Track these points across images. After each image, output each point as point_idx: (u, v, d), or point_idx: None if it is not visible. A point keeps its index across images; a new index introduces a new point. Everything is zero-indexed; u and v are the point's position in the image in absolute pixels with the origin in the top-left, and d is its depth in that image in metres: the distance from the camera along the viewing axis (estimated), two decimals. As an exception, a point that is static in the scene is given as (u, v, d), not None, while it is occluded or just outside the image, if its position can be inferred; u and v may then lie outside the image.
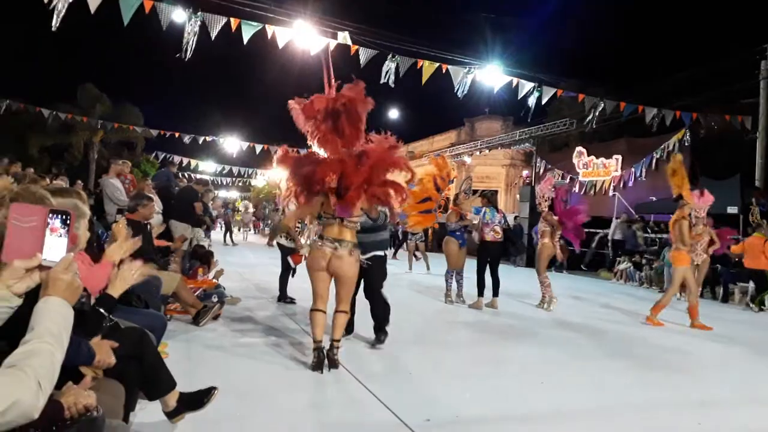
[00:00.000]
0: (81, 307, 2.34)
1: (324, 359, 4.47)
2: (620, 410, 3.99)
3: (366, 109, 4.57)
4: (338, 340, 4.66)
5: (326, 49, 5.01)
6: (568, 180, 20.33)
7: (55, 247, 1.39)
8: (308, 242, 7.60)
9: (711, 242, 10.12)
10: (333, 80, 4.65)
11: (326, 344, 4.62)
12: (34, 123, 27.27)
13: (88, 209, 2.59)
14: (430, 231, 15.57)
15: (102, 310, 2.47)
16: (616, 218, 15.54)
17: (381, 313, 5.56)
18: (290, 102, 4.65)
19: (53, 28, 9.35)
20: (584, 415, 3.83)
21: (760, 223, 10.59)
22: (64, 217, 1.41)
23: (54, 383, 1.28)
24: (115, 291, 2.64)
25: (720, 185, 14.04)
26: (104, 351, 2.31)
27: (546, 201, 8.58)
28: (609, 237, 15.07)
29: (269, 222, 28.20)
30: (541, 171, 22.16)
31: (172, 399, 2.88)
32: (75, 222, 1.50)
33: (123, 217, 4.99)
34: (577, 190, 20.21)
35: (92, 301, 2.57)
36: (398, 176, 4.75)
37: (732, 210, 12.81)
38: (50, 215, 1.39)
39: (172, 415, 2.90)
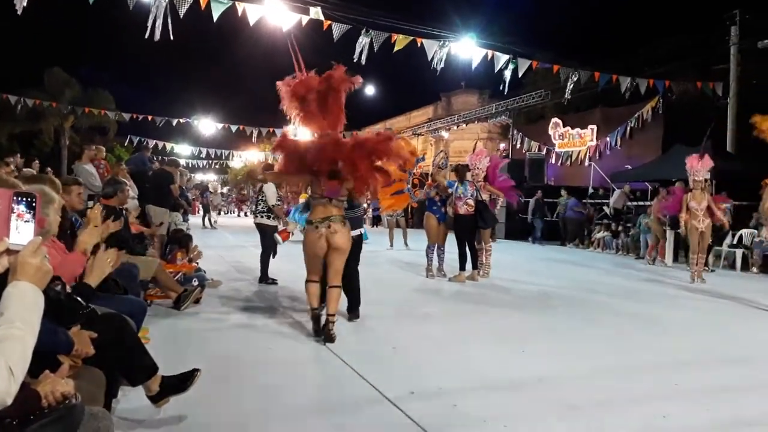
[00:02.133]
0: (57, 297, 2.31)
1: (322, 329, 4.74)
2: (600, 375, 4.08)
3: (350, 88, 4.74)
4: (333, 315, 4.80)
5: (292, 35, 5.00)
6: (504, 152, 20.84)
7: (22, 230, 1.37)
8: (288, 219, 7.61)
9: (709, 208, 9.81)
10: (302, 64, 4.72)
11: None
12: (1, 110, 26.53)
13: (57, 195, 2.54)
14: (409, 208, 15.60)
15: (79, 299, 2.44)
16: (618, 188, 15.76)
17: (357, 290, 5.70)
18: (278, 83, 4.77)
19: (18, 12, 9.04)
20: (565, 381, 3.91)
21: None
22: (29, 200, 1.38)
23: (26, 369, 1.27)
24: (93, 280, 2.62)
25: (692, 152, 14.23)
26: (83, 341, 2.29)
27: (482, 172, 8.66)
28: (610, 206, 15.25)
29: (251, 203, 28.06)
30: (518, 144, 22.28)
31: (154, 383, 2.88)
32: (43, 206, 1.47)
33: (98, 203, 4.90)
34: (553, 162, 20.39)
35: (68, 289, 2.53)
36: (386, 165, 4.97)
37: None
38: (15, 198, 1.36)
39: (156, 399, 2.90)
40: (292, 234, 7.60)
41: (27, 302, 1.34)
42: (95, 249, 3.04)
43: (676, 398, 3.61)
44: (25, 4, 8.94)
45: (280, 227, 7.64)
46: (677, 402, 3.53)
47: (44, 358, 2.02)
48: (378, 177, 4.89)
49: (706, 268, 10.09)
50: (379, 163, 4.84)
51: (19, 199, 1.37)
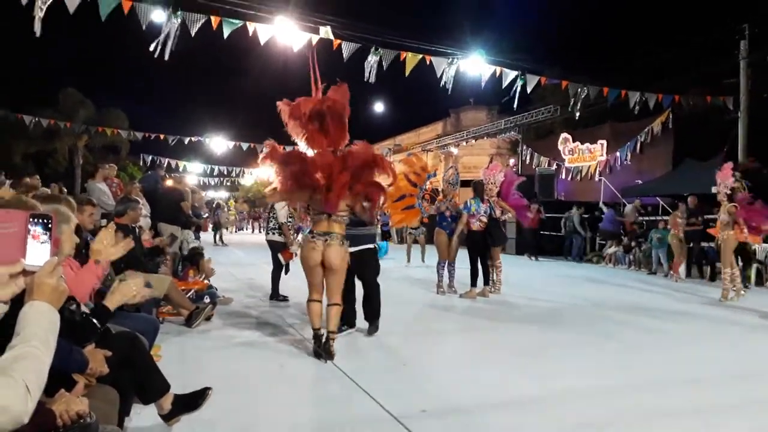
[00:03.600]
0: (72, 317, 2.34)
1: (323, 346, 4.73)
2: (610, 393, 4.05)
3: (348, 111, 4.82)
4: (334, 332, 4.85)
5: (312, 50, 5.06)
6: (514, 168, 20.75)
7: (38, 251, 1.39)
8: (299, 238, 7.62)
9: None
10: (319, 81, 4.80)
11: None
12: (16, 130, 26.93)
13: (73, 215, 2.58)
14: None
15: (95, 321, 2.46)
16: (629, 203, 15.67)
17: (376, 304, 5.79)
18: (279, 103, 4.86)
19: (37, 34, 9.22)
20: (576, 399, 3.88)
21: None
22: (45, 221, 1.41)
23: (42, 387, 1.29)
24: (112, 304, 2.63)
25: (703, 166, 14.18)
26: (97, 359, 2.32)
27: (496, 187, 8.65)
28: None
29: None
30: (527, 159, 22.26)
31: (166, 402, 2.89)
32: (57, 226, 1.50)
33: (111, 223, 4.96)
34: (563, 177, 20.34)
35: (84, 308, 2.57)
36: (380, 179, 4.99)
37: (715, 190, 12.92)
38: (31, 220, 1.39)
39: (168, 417, 2.92)
40: (296, 255, 7.62)
41: (43, 322, 1.36)
42: (116, 272, 3.09)
43: (684, 417, 3.57)
44: (40, 28, 9.11)
45: (292, 247, 7.64)
46: (684, 422, 3.49)
47: (59, 377, 2.05)
48: (372, 190, 4.88)
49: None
50: (372, 176, 4.87)
51: (36, 220, 1.40)
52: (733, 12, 17.40)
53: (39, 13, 9.06)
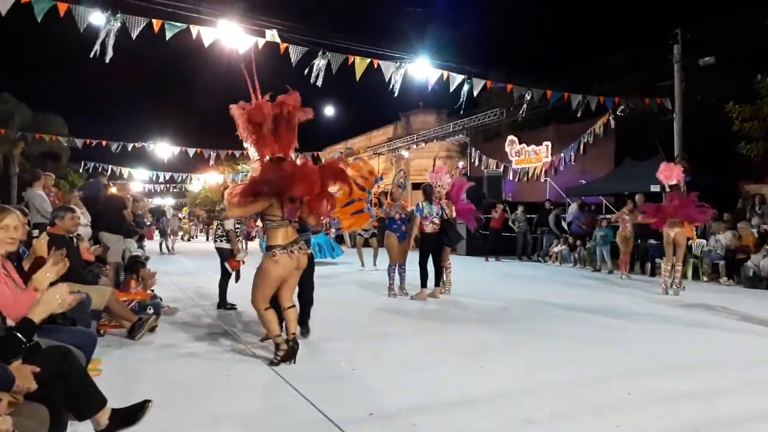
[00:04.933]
0: (-6, 332, 2.23)
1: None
2: (556, 388, 4.14)
3: (303, 117, 4.81)
4: (294, 334, 4.87)
5: (249, 59, 4.99)
6: (463, 170, 21.05)
7: None
8: (244, 247, 7.49)
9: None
10: (258, 89, 4.74)
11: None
12: (-55, 138, 25.59)
13: (11, 217, 2.46)
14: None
15: (19, 335, 2.34)
16: (572, 202, 16.00)
17: (309, 306, 5.89)
18: (232, 106, 4.75)
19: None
20: (523, 395, 3.96)
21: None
22: None
23: None
24: (36, 316, 2.50)
25: (643, 166, 14.74)
26: (24, 375, 2.21)
27: (444, 189, 8.75)
28: (567, 220, 15.52)
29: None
30: (476, 161, 22.64)
31: (103, 417, 2.79)
32: None
33: (44, 233, 4.75)
34: (511, 178, 20.78)
35: (8, 322, 2.45)
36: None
37: (655, 188, 13.45)
38: None
39: None
40: (243, 263, 7.50)
41: None
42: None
43: (628, 408, 3.69)
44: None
45: (239, 254, 7.50)
46: (629, 412, 3.62)
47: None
48: (325, 201, 4.90)
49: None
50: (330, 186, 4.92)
51: None
52: (666, 17, 18.19)
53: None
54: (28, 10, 9.02)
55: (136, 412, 2.88)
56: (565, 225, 15.53)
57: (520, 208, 16.55)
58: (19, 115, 31.05)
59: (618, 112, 16.51)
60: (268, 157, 4.78)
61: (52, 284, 2.99)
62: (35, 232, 4.82)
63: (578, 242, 14.52)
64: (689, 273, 11.40)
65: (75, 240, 5.71)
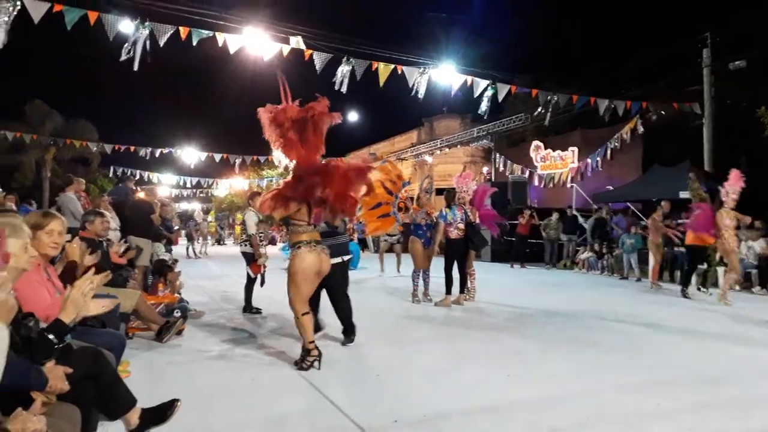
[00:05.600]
0: (28, 334, 2.27)
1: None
2: (582, 397, 4.07)
3: (330, 123, 4.84)
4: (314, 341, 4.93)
5: (281, 66, 5.09)
6: (487, 175, 20.73)
7: None
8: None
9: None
10: (289, 96, 4.80)
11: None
12: (-20, 144, 26.34)
13: (27, 228, 2.51)
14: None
15: (51, 337, 2.37)
16: (597, 209, 15.71)
17: (349, 314, 5.84)
18: (260, 109, 4.82)
19: (0, 46, 9.02)
20: (548, 404, 3.90)
21: (704, 198, 10.24)
22: None
23: None
24: (67, 316, 2.51)
25: (671, 171, 14.50)
26: (57, 376, 2.25)
27: (468, 195, 8.69)
28: (588, 227, 15.25)
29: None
30: (501, 167, 22.50)
31: (134, 416, 2.83)
32: (7, 240, 1.46)
33: (77, 238, 4.84)
34: (536, 184, 20.60)
35: (40, 324, 2.49)
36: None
37: (684, 195, 13.20)
38: None
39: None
40: (264, 267, 7.56)
41: None
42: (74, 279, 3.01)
43: (657, 419, 3.61)
44: (4, 39, 8.92)
45: (260, 259, 7.55)
46: (659, 423, 3.53)
47: (16, 395, 1.99)
48: (352, 198, 4.97)
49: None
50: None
51: None
52: (696, 21, 17.89)
53: (3, 24, 8.88)
54: (59, 18, 9.25)
55: (165, 410, 2.92)
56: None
57: (554, 215, 16.01)
58: (50, 121, 31.88)
59: (646, 117, 16.25)
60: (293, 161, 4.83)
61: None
62: (67, 237, 4.89)
63: (605, 249, 14.30)
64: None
65: (104, 244, 5.82)
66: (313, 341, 4.82)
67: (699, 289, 10.32)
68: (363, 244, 19.80)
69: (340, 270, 5.83)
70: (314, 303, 5.72)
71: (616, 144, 17.71)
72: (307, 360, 4.73)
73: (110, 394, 2.68)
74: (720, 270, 10.24)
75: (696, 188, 9.98)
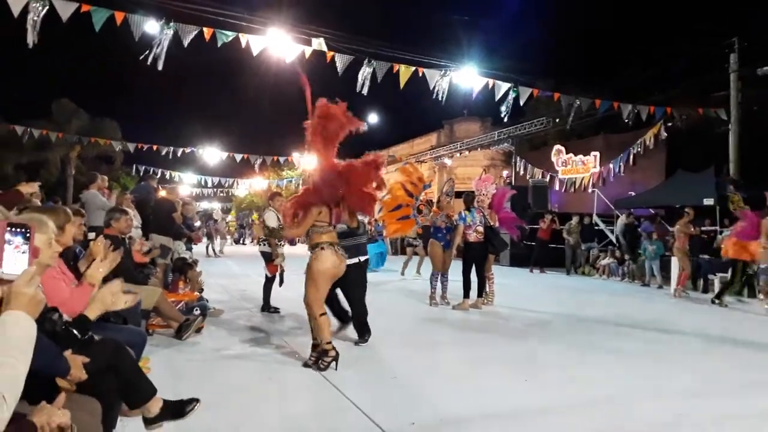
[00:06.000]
0: (53, 327, 2.30)
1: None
2: (602, 404, 4.02)
3: (350, 128, 4.92)
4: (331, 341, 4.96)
5: (304, 68, 5.18)
6: (507, 179, 20.51)
7: (16, 261, 1.38)
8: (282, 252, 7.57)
9: None
10: (309, 100, 4.88)
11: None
12: (8, 141, 26.86)
13: (52, 224, 2.55)
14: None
15: (75, 331, 2.43)
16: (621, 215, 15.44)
17: (363, 315, 5.90)
18: (318, 103, 4.94)
19: (30, 45, 9.19)
20: (567, 410, 3.86)
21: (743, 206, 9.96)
22: (23, 230, 1.40)
23: (18, 396, 1.28)
24: (92, 313, 2.59)
25: (696, 178, 14.27)
26: (76, 365, 2.29)
27: (488, 198, 8.62)
28: (616, 233, 14.99)
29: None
30: (521, 171, 22.36)
31: (154, 406, 2.87)
32: (36, 235, 1.48)
33: (101, 236, 4.92)
34: (557, 188, 20.42)
35: (64, 318, 2.53)
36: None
37: (708, 202, 13.00)
38: (9, 229, 1.38)
39: (151, 421, 2.88)
40: (281, 268, 7.59)
41: (20, 331, 1.35)
42: (106, 279, 3.07)
43: (679, 429, 3.55)
44: (35, 39, 9.09)
45: (277, 259, 7.57)
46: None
47: (41, 387, 2.02)
48: (369, 195, 5.05)
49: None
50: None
51: (14, 230, 1.39)
52: (723, 26, 17.58)
53: (32, 24, 9.05)
54: (86, 18, 9.41)
55: (184, 406, 2.96)
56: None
57: (574, 219, 15.68)
58: (76, 119, 32.44)
59: (672, 124, 16.03)
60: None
61: (105, 281, 3.09)
62: (91, 235, 4.97)
63: (626, 256, 14.12)
64: (745, 291, 10.93)
65: (128, 241, 5.89)
66: (330, 342, 4.83)
67: (713, 301, 9.95)
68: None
69: (357, 271, 5.83)
70: (331, 301, 5.76)
71: (639, 149, 17.49)
72: (324, 360, 4.74)
73: (131, 384, 2.72)
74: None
75: (737, 200, 9.78)
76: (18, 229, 1.40)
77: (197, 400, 3.03)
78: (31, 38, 9.14)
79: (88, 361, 2.35)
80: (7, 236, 1.38)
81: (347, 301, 5.99)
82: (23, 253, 1.40)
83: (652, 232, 13.13)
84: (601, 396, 4.22)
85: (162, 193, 10.39)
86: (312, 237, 4.91)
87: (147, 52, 9.93)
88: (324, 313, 4.89)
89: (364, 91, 11.69)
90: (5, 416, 1.24)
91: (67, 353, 2.35)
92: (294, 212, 4.84)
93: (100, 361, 2.45)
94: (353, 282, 5.79)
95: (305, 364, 4.80)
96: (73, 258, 4.08)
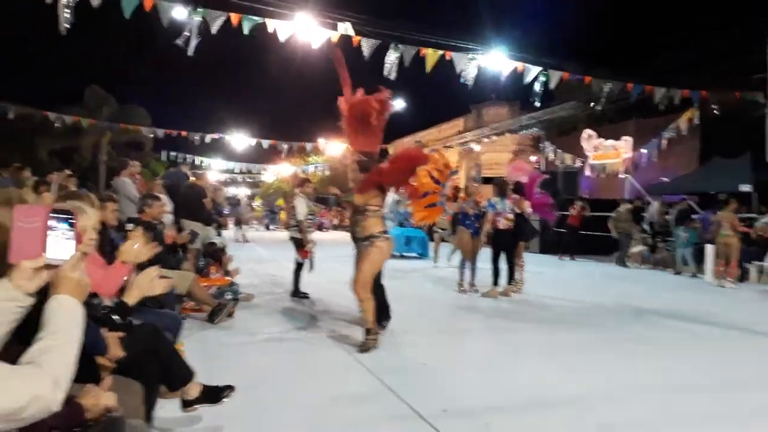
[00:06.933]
0: (94, 312, 2.35)
1: None
2: (637, 395, 3.97)
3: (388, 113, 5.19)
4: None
5: (337, 53, 5.19)
6: (536, 165, 20.22)
7: (59, 245, 1.40)
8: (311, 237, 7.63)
9: None
10: (348, 82, 4.95)
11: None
12: (41, 127, 27.42)
13: (95, 212, 2.59)
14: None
15: (115, 317, 2.48)
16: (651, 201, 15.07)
17: (383, 298, 5.96)
18: (340, 98, 5.20)
19: (62, 32, 9.31)
20: (600, 400, 3.82)
21: None
22: (67, 216, 1.42)
23: (70, 378, 1.32)
24: (131, 298, 2.65)
25: (731, 163, 13.89)
26: (114, 342, 2.35)
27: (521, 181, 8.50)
28: (647, 219, 14.64)
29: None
30: (550, 156, 22.02)
31: (192, 389, 2.93)
32: (78, 221, 1.50)
33: (139, 227, 4.97)
34: (587, 174, 20.08)
35: (107, 302, 2.58)
36: None
37: (744, 188, 12.65)
38: (52, 215, 1.40)
39: (188, 404, 2.95)
40: (312, 253, 7.62)
41: (69, 315, 1.38)
42: (140, 264, 3.12)
43: (717, 422, 3.48)
44: (67, 25, 9.21)
45: (308, 245, 7.60)
46: (718, 427, 3.40)
47: (83, 362, 2.07)
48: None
49: None
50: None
51: (57, 215, 1.40)
52: (760, 5, 16.96)
53: (64, 11, 9.16)
54: (115, 4, 9.49)
55: (220, 392, 3.01)
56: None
57: (623, 206, 14.45)
58: (107, 106, 32.97)
59: (707, 109, 15.57)
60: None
61: (141, 267, 3.14)
62: (129, 226, 5.02)
63: (659, 243, 13.83)
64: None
65: (160, 227, 5.97)
66: (374, 322, 5.02)
67: None
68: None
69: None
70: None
71: (672, 134, 17.05)
72: (369, 339, 4.95)
73: (170, 367, 2.79)
74: None
75: None
76: (60, 215, 1.41)
77: (232, 388, 3.09)
78: (63, 25, 9.27)
79: (123, 336, 2.41)
80: (51, 222, 1.40)
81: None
82: (64, 236, 1.42)
83: (710, 221, 12.63)
84: (637, 386, 4.16)
85: (192, 179, 10.51)
86: (372, 223, 5.00)
87: (177, 38, 10.00)
88: (370, 298, 5.03)
89: (392, 76, 11.59)
90: (59, 398, 1.27)
91: (104, 331, 2.40)
92: (364, 191, 4.98)
93: (140, 345, 2.49)
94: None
95: (362, 349, 4.89)
96: (108, 243, 4.15)
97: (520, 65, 12.70)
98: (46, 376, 1.26)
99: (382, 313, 5.83)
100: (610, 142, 19.45)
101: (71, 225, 1.43)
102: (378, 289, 5.91)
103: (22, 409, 1.19)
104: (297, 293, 7.64)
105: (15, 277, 1.37)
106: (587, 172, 20.07)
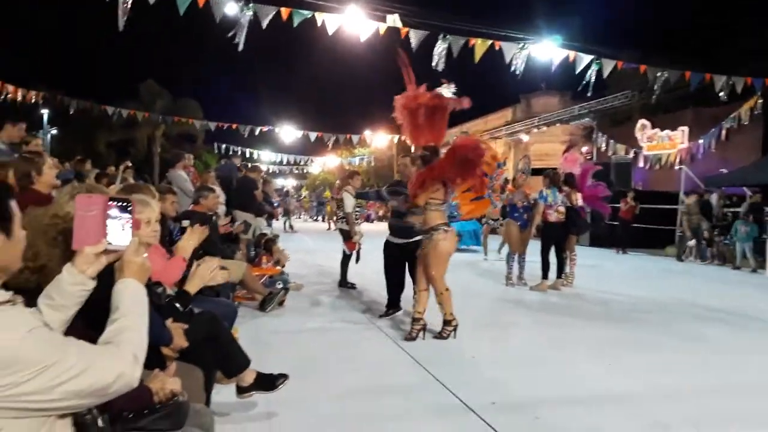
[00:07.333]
0: (158, 300, 2.46)
1: None
2: (691, 393, 3.87)
3: (456, 107, 5.34)
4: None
5: (402, 50, 5.28)
6: (588, 156, 19.63)
7: (119, 231, 1.49)
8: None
9: None
10: (412, 78, 5.00)
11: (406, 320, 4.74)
12: (100, 120, 28.50)
13: (155, 204, 2.72)
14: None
15: (177, 305, 2.60)
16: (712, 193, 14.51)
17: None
18: (396, 97, 5.28)
19: (120, 29, 9.65)
20: (652, 397, 3.74)
21: None
22: (124, 204, 1.51)
23: (144, 356, 1.39)
24: (192, 288, 2.77)
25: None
26: (178, 333, 2.46)
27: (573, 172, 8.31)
28: (741, 212, 14.02)
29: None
30: (603, 147, 21.45)
31: (248, 376, 3.04)
32: (136, 209, 1.59)
33: (197, 225, 5.11)
34: (641, 165, 19.48)
35: (168, 291, 2.70)
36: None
37: None
38: (111, 202, 1.49)
39: (243, 390, 3.06)
40: (359, 245, 7.69)
41: (135, 296, 1.48)
42: (194, 257, 3.24)
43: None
44: (125, 22, 9.53)
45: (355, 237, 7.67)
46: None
47: (153, 353, 2.18)
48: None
49: None
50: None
51: (117, 204, 1.50)
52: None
53: (123, 9, 9.49)
54: (171, 2, 9.75)
55: (274, 380, 3.10)
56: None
57: (692, 198, 13.78)
58: (161, 100, 34.01)
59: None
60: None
61: (197, 257, 3.27)
62: (185, 222, 5.18)
63: (717, 238, 13.32)
64: None
65: (214, 217, 6.16)
66: (452, 313, 5.14)
67: None
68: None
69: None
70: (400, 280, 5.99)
71: (733, 124, 16.34)
72: (446, 329, 5.08)
73: (228, 354, 2.90)
74: None
75: None
76: (119, 203, 1.50)
77: (287, 377, 3.17)
78: (121, 22, 9.60)
79: (186, 327, 2.52)
80: (110, 211, 1.49)
81: (411, 276, 5.95)
82: (123, 222, 1.51)
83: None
84: (691, 384, 4.05)
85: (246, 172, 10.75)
86: (435, 216, 5.05)
87: (233, 34, 10.22)
88: (447, 288, 5.10)
89: (440, 68, 11.52)
90: (137, 374, 1.34)
91: (168, 322, 2.52)
92: (420, 184, 5.02)
93: (201, 333, 2.61)
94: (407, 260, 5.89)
95: (438, 336, 5.09)
96: (168, 235, 4.31)
97: (572, 54, 12.42)
98: (127, 353, 1.33)
99: (396, 301, 6.02)
100: (666, 132, 18.80)
101: (128, 211, 1.52)
102: (400, 276, 6.02)
103: (109, 385, 1.27)
104: (344, 283, 7.75)
105: (78, 262, 1.46)
106: (641, 164, 19.48)
